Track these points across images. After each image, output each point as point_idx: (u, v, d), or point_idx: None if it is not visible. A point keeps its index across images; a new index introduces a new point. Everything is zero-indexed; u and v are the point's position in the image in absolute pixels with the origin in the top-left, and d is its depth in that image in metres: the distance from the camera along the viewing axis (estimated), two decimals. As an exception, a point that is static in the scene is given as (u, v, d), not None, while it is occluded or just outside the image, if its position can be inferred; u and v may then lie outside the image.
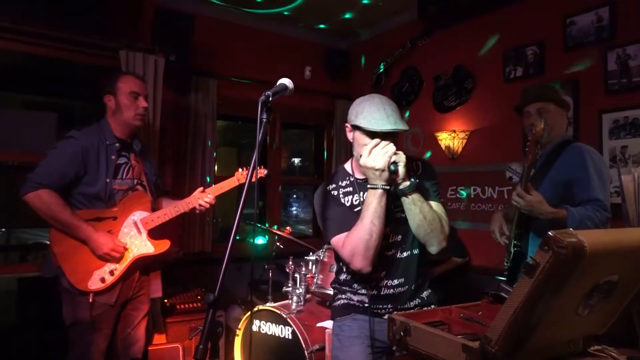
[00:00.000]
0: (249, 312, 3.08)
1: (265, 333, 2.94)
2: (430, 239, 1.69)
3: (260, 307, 3.01)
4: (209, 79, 3.97)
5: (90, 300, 2.14)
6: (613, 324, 1.14)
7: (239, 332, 3.07)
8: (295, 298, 2.98)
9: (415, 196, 1.64)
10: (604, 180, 2.02)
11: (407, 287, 1.77)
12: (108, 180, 2.23)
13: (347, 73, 4.96)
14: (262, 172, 2.57)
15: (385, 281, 1.76)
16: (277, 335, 2.88)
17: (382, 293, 1.76)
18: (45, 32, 3.23)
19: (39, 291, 2.79)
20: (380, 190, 1.62)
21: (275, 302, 3.09)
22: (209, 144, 3.95)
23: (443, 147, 3.83)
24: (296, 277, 3.09)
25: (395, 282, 1.76)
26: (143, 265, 2.37)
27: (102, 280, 2.17)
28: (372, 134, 1.63)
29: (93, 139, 2.23)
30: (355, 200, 1.80)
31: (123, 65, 3.37)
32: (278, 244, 3.41)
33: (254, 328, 3.01)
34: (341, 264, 1.90)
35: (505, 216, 2.23)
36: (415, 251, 1.79)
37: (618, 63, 2.82)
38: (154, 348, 2.89)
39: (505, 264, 2.12)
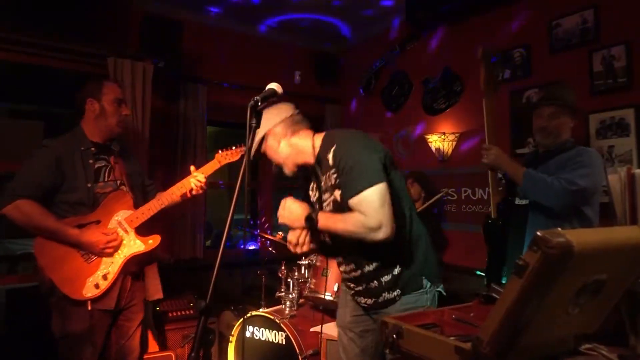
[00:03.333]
0: (242, 318, 3.07)
1: (259, 339, 2.93)
2: (364, 239, 1.59)
3: (253, 312, 2.99)
4: (198, 85, 3.96)
5: (89, 308, 2.10)
6: (603, 323, 1.15)
7: (232, 339, 3.05)
8: (288, 303, 2.98)
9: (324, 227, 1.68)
10: (592, 170, 2.01)
11: (359, 271, 1.81)
12: (89, 185, 2.19)
13: (337, 78, 4.98)
14: (239, 151, 2.52)
15: (343, 266, 1.88)
16: (270, 340, 2.87)
17: (345, 276, 1.91)
18: (31, 40, 3.20)
19: (28, 303, 2.76)
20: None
21: (268, 307, 3.08)
22: (200, 149, 3.94)
23: (433, 149, 3.86)
24: (289, 282, 3.08)
25: (349, 267, 1.85)
26: (137, 266, 2.33)
27: (97, 286, 2.13)
28: None
29: (67, 147, 2.20)
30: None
31: (111, 72, 3.35)
32: (270, 249, 3.40)
33: (247, 334, 3.00)
34: None
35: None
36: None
37: (603, 64, 2.86)
38: (147, 357, 2.86)
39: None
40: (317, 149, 1.79)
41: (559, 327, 1.09)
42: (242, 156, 2.64)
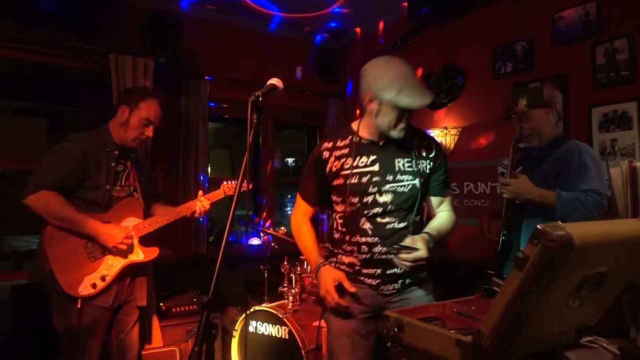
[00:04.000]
0: (245, 313, 3.08)
1: (262, 334, 2.95)
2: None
3: (256, 307, 3.01)
4: (199, 81, 3.95)
5: (79, 306, 2.12)
6: (604, 315, 1.15)
7: (236, 334, 3.07)
8: (291, 298, 2.99)
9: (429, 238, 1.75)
10: (599, 171, 2.02)
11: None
12: (108, 187, 2.23)
13: (339, 73, 4.96)
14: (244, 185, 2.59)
15: (379, 247, 1.78)
16: (273, 335, 2.89)
17: (374, 258, 1.79)
18: (33, 38, 3.21)
19: (33, 299, 2.77)
20: None
21: (271, 302, 3.09)
22: (202, 146, 3.94)
23: (435, 144, 3.85)
24: (291, 277, 3.09)
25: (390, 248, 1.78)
26: (132, 271, 2.36)
27: (94, 285, 2.15)
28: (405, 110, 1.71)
29: (94, 144, 2.23)
30: (347, 164, 1.82)
31: (112, 69, 3.35)
32: (273, 244, 3.40)
33: (251, 329, 3.01)
34: (336, 219, 1.93)
35: (492, 213, 2.26)
36: (412, 224, 1.81)
37: (606, 57, 2.84)
38: (151, 352, 2.88)
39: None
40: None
41: (559, 320, 1.09)
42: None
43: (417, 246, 1.65)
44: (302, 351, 2.64)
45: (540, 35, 3.19)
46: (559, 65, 3.08)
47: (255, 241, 4.03)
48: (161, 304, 3.12)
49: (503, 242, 2.04)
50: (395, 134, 1.75)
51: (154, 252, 2.37)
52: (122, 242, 2.18)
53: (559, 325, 1.12)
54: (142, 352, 2.80)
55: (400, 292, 1.83)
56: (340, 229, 1.89)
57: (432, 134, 3.85)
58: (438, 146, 1.91)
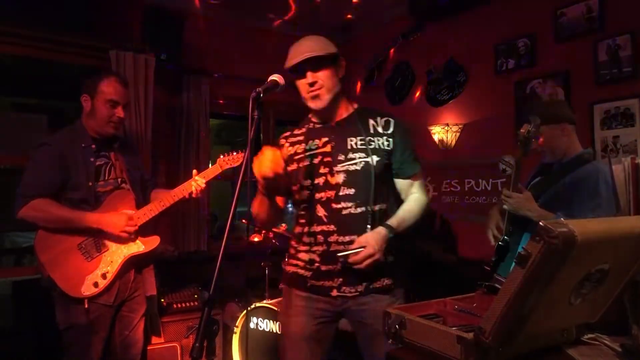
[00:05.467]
0: (246, 310, 3.09)
1: (263, 330, 2.95)
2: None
3: (257, 304, 3.01)
4: (201, 77, 3.94)
5: (86, 307, 2.10)
6: (605, 312, 1.15)
7: (237, 330, 3.07)
8: (291, 294, 2.98)
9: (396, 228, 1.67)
10: (610, 201, 1.95)
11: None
12: (91, 183, 2.17)
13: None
14: (240, 156, 2.43)
15: (335, 236, 1.67)
16: (274, 331, 2.89)
17: (330, 249, 1.67)
18: (33, 34, 3.20)
19: (34, 294, 2.78)
20: None
21: (272, 299, 3.10)
22: (203, 141, 3.94)
23: (436, 140, 3.84)
24: (292, 273, 3.08)
25: (347, 238, 1.66)
26: (135, 264, 2.33)
27: (95, 284, 2.13)
28: (299, 72, 1.70)
29: (68, 143, 2.16)
30: (300, 149, 1.81)
31: (113, 65, 3.35)
32: (274, 240, 3.41)
33: (252, 325, 3.02)
34: (297, 211, 1.84)
35: (501, 210, 2.23)
36: (376, 208, 1.70)
37: (608, 53, 2.83)
38: (152, 347, 2.89)
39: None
40: (350, 109, 1.84)
41: (561, 317, 1.09)
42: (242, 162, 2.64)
43: (364, 244, 1.56)
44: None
45: (543, 31, 3.18)
46: (561, 62, 3.07)
47: (256, 237, 4.03)
48: (162, 299, 3.13)
49: (500, 247, 2.01)
50: (310, 103, 1.74)
51: (154, 241, 2.30)
52: (129, 224, 2.15)
53: (561, 322, 1.12)
54: (148, 347, 2.80)
55: (364, 295, 1.70)
56: (300, 220, 1.80)
57: (433, 131, 3.85)
58: (398, 123, 1.80)
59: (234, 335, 3.08)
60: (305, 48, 1.68)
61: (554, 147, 2.12)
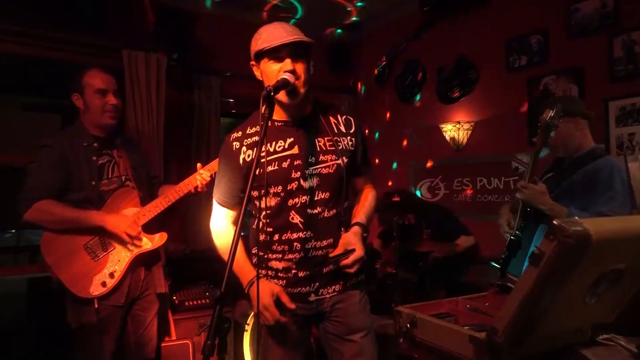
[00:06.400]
0: (257, 307, 3.09)
1: (274, 328, 2.95)
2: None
3: (268, 302, 3.01)
4: (212, 77, 3.96)
5: (96, 306, 2.10)
6: (621, 313, 1.13)
7: (248, 327, 3.08)
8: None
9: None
10: (625, 195, 1.90)
11: (336, 247, 1.62)
12: (94, 182, 2.15)
13: (350, 67, 4.93)
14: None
15: (313, 242, 1.61)
16: (285, 330, 2.89)
17: (309, 256, 1.61)
18: (46, 34, 3.23)
19: (48, 292, 2.82)
20: None
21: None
22: (214, 140, 3.96)
23: (448, 138, 3.82)
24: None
25: (324, 243, 1.62)
26: (144, 261, 2.31)
27: (104, 284, 2.12)
28: (277, 55, 1.54)
29: (69, 143, 2.14)
30: (262, 152, 1.51)
31: (126, 65, 3.37)
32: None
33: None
34: (260, 218, 1.67)
35: (512, 208, 2.21)
36: (340, 209, 1.67)
37: (623, 49, 2.78)
38: (165, 345, 2.91)
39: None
40: (309, 105, 1.72)
41: (575, 317, 1.08)
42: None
43: (352, 246, 1.55)
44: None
45: (556, 27, 3.14)
46: (575, 58, 3.02)
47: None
48: (174, 297, 3.15)
49: (512, 241, 1.99)
50: (283, 96, 1.56)
51: (162, 237, 2.27)
52: (131, 225, 2.13)
53: (575, 322, 1.11)
54: (162, 344, 2.81)
55: (340, 294, 1.66)
56: (266, 229, 1.65)
57: (444, 129, 3.82)
58: (356, 121, 1.76)
59: (245, 332, 3.09)
60: (288, 32, 1.53)
61: (567, 142, 2.10)
